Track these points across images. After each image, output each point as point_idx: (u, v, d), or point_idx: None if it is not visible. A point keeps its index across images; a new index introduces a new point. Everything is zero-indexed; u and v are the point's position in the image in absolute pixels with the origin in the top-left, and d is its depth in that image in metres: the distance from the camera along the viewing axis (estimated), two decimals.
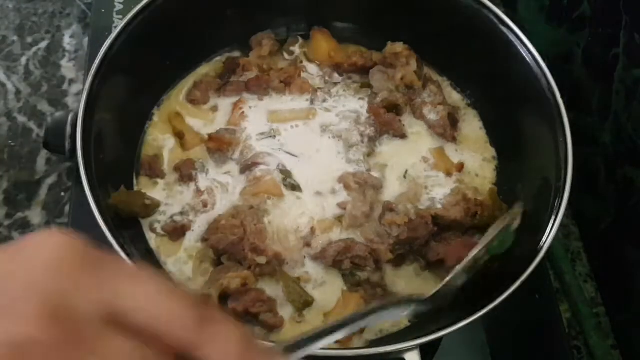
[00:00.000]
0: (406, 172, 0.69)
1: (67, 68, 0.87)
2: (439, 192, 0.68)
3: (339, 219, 0.65)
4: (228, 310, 0.58)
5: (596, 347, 0.70)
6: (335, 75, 0.76)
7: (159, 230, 0.65)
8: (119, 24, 0.65)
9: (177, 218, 0.65)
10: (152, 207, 0.65)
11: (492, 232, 0.57)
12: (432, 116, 0.72)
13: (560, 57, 0.79)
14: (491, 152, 0.72)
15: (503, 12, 0.68)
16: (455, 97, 0.76)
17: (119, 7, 0.86)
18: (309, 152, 0.69)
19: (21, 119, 0.83)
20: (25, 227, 0.75)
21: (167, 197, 0.67)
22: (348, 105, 0.73)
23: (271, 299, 0.61)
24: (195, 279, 0.62)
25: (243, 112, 0.72)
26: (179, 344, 0.26)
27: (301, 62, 0.77)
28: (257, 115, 0.72)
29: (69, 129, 0.68)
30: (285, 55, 0.78)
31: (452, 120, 0.72)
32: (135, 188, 0.67)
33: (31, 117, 0.83)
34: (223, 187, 0.67)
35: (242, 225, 0.62)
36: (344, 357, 0.51)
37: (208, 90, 0.74)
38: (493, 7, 0.68)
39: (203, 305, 0.28)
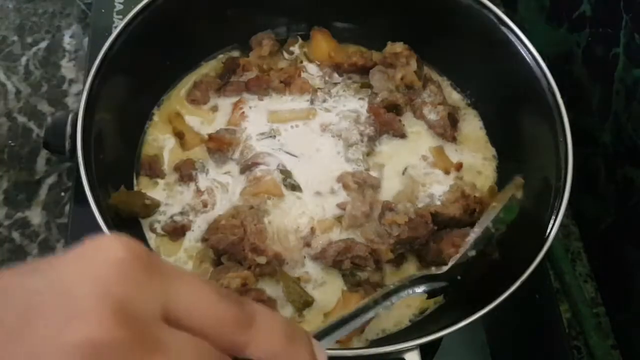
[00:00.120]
0: (405, 169, 0.69)
1: (67, 68, 0.87)
2: (438, 189, 0.68)
3: (338, 219, 0.65)
4: None
5: (596, 347, 0.70)
6: (335, 75, 0.76)
7: (159, 230, 0.65)
8: (119, 24, 0.65)
9: (177, 218, 0.65)
10: (152, 207, 0.65)
11: (496, 205, 0.59)
12: (432, 116, 0.72)
13: (560, 57, 0.79)
14: (491, 151, 0.72)
15: (503, 12, 0.68)
16: (455, 97, 0.76)
17: (119, 7, 0.86)
18: (308, 151, 0.69)
19: (21, 119, 0.83)
20: (25, 227, 0.75)
21: (167, 197, 0.67)
22: (348, 105, 0.73)
23: (271, 299, 0.61)
24: None
25: (243, 112, 0.72)
26: (227, 344, 0.28)
27: (301, 62, 0.77)
28: (257, 115, 0.72)
29: (69, 129, 0.68)
30: (285, 55, 0.78)
31: (452, 120, 0.72)
32: (135, 188, 0.67)
33: (31, 117, 0.83)
34: (223, 187, 0.67)
35: (242, 225, 0.62)
36: (344, 357, 0.51)
37: (208, 90, 0.74)
38: (493, 7, 0.68)
39: (243, 300, 0.29)
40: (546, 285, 0.71)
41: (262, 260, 0.60)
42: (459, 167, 0.70)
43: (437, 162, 0.70)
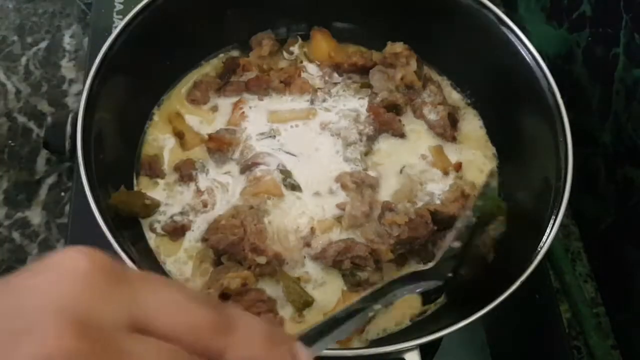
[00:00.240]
0: (403, 167, 0.69)
1: (67, 68, 0.87)
2: (437, 188, 0.68)
3: (338, 219, 0.65)
4: None
5: (596, 347, 0.70)
6: (335, 75, 0.76)
7: (158, 230, 0.65)
8: (119, 24, 0.65)
9: (177, 218, 0.65)
10: (152, 207, 0.65)
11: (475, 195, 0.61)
12: (432, 116, 0.72)
13: (560, 57, 0.79)
14: (492, 150, 0.72)
15: (503, 12, 0.68)
16: (455, 96, 0.76)
17: (119, 7, 0.86)
18: (308, 151, 0.69)
19: (21, 119, 0.83)
20: (25, 227, 0.75)
21: (167, 197, 0.67)
22: (348, 105, 0.73)
23: (271, 299, 0.61)
24: (194, 279, 0.62)
25: (243, 112, 0.72)
26: (203, 350, 0.27)
27: (301, 62, 0.77)
28: (257, 115, 0.72)
29: (69, 129, 0.68)
30: (285, 55, 0.78)
31: (452, 120, 0.72)
32: (135, 188, 0.67)
33: (31, 117, 0.83)
34: (223, 187, 0.67)
35: (242, 225, 0.62)
36: (344, 357, 0.51)
37: (208, 90, 0.74)
38: (493, 7, 0.68)
39: (222, 305, 0.28)
40: (546, 285, 0.71)
41: (262, 260, 0.60)
42: (458, 167, 0.70)
43: (436, 161, 0.70)
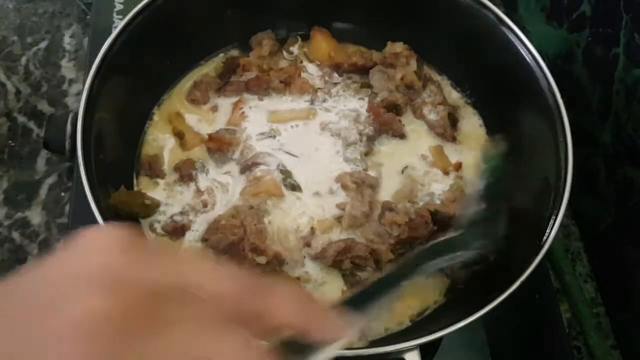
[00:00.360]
0: (404, 168, 0.69)
1: (67, 68, 0.87)
2: (437, 188, 0.68)
3: (338, 219, 0.65)
4: None
5: (596, 347, 0.70)
6: (335, 75, 0.76)
7: (158, 230, 0.65)
8: (119, 24, 0.65)
9: (177, 218, 0.65)
10: (152, 207, 0.65)
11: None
12: (432, 116, 0.72)
13: (560, 57, 0.79)
14: None
15: (503, 12, 0.68)
16: (455, 96, 0.76)
17: (119, 7, 0.86)
18: (308, 151, 0.69)
19: (21, 119, 0.83)
20: (25, 227, 0.75)
21: (167, 197, 0.67)
22: (348, 105, 0.73)
23: None
24: None
25: (243, 112, 0.72)
26: (240, 314, 0.28)
27: (301, 62, 0.77)
28: (257, 115, 0.72)
29: (69, 129, 0.68)
30: (285, 55, 0.78)
31: (452, 120, 0.72)
32: (135, 188, 0.67)
33: (31, 117, 0.83)
34: (223, 187, 0.67)
35: (242, 225, 0.62)
36: (344, 357, 0.51)
37: (208, 90, 0.74)
38: (493, 7, 0.68)
39: (256, 274, 0.30)
40: (546, 285, 0.71)
41: (262, 260, 0.60)
42: (458, 167, 0.70)
43: (437, 161, 0.70)
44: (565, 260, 0.75)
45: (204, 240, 0.63)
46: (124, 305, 0.26)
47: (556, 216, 0.57)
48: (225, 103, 0.73)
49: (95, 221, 0.54)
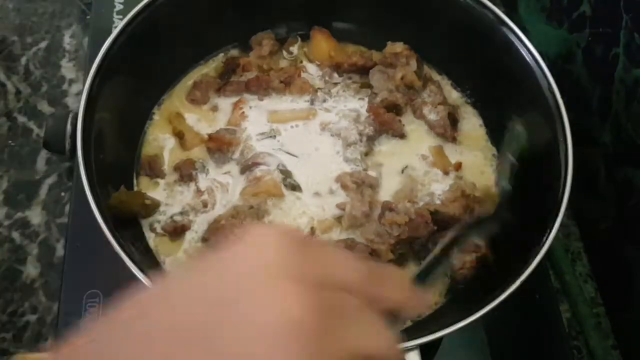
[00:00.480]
0: (404, 168, 0.69)
1: (67, 68, 0.87)
2: (437, 188, 0.68)
3: (338, 219, 0.65)
4: None
5: (596, 347, 0.70)
6: (335, 75, 0.76)
7: (158, 230, 0.65)
8: (119, 24, 0.65)
9: (177, 218, 0.65)
10: (152, 207, 0.65)
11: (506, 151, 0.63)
12: (432, 116, 0.72)
13: (560, 57, 0.79)
14: (492, 150, 0.72)
15: (503, 12, 0.68)
16: (455, 96, 0.76)
17: (119, 7, 0.86)
18: (308, 151, 0.69)
19: (21, 119, 0.83)
20: (25, 227, 0.75)
21: (167, 197, 0.67)
22: (348, 105, 0.73)
23: None
24: None
25: (243, 112, 0.72)
26: (367, 299, 0.30)
27: (301, 62, 0.77)
28: (257, 115, 0.72)
29: (69, 129, 0.68)
30: (285, 55, 0.78)
31: (452, 120, 0.72)
32: (135, 188, 0.67)
33: (31, 117, 0.83)
34: (223, 187, 0.67)
35: (242, 225, 0.62)
36: None
37: (208, 90, 0.74)
38: (493, 7, 0.68)
39: (373, 263, 0.35)
40: (546, 285, 0.71)
41: None
42: (458, 167, 0.70)
43: (437, 161, 0.70)
44: (565, 260, 0.75)
45: (204, 240, 0.63)
46: (315, 304, 0.26)
47: (556, 216, 0.57)
48: (225, 103, 0.73)
49: (95, 221, 0.54)
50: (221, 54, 0.77)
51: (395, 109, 0.72)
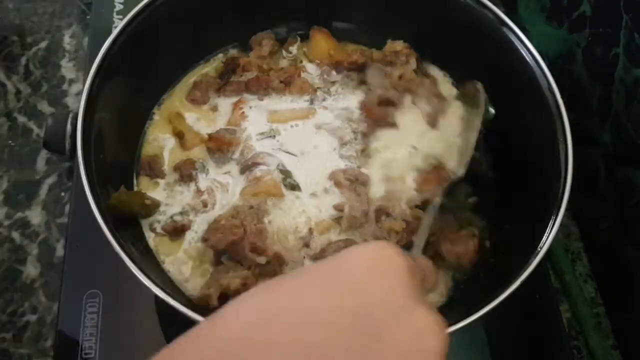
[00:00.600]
0: (394, 161, 0.69)
1: (67, 68, 0.87)
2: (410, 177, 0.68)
3: (336, 220, 0.65)
4: None
5: (596, 347, 0.70)
6: (334, 73, 0.76)
7: (158, 230, 0.65)
8: (119, 24, 0.65)
9: (177, 218, 0.65)
10: (152, 207, 0.65)
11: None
12: (425, 108, 0.71)
13: (560, 57, 0.79)
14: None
15: (503, 12, 0.68)
16: (454, 92, 0.76)
17: (119, 7, 0.86)
18: (307, 149, 0.69)
19: (21, 119, 0.83)
20: (25, 227, 0.75)
21: (167, 197, 0.67)
22: (346, 103, 0.73)
23: None
24: (194, 278, 0.62)
25: (243, 112, 0.72)
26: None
27: (301, 62, 0.77)
28: (257, 115, 0.72)
29: (69, 128, 0.68)
30: (285, 55, 0.78)
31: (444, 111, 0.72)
32: (135, 188, 0.67)
33: (31, 117, 0.83)
34: (223, 187, 0.67)
35: (242, 225, 0.62)
36: None
37: (208, 90, 0.74)
38: (493, 7, 0.68)
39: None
40: (546, 285, 0.71)
41: (262, 260, 0.60)
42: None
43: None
44: (565, 260, 0.75)
45: (204, 240, 0.63)
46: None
47: (556, 216, 0.57)
48: (225, 103, 0.73)
49: (95, 221, 0.54)
50: (221, 54, 0.77)
51: (390, 104, 0.71)
